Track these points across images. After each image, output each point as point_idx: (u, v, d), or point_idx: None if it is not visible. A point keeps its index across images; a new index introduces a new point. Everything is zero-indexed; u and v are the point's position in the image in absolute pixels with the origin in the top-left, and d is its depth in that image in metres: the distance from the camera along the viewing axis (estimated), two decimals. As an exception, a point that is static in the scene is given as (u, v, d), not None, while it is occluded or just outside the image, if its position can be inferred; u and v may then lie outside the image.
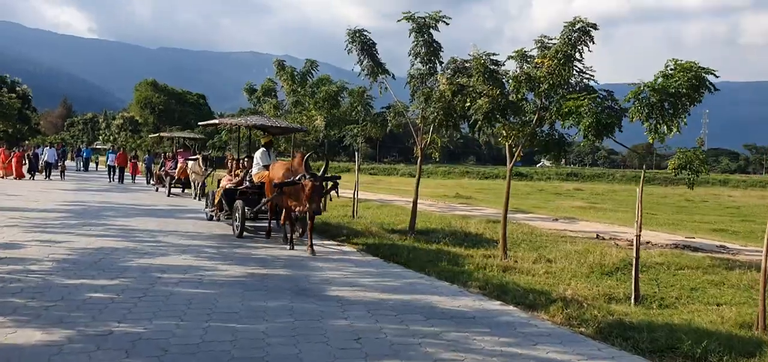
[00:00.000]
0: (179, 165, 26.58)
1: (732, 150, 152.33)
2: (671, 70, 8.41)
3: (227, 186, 14.71)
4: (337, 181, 12.43)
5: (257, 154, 14.37)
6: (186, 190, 26.73)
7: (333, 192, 12.50)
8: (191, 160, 25.17)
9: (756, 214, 28.97)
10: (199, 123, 22.17)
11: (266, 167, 13.75)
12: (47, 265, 9.15)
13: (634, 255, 8.85)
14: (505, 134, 12.06)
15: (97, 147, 74.11)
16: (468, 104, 11.97)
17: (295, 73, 23.11)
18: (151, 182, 31.36)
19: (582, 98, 9.24)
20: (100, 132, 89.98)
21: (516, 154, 12.26)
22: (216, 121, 20.50)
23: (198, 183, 23.94)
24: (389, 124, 15.62)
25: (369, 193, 30.01)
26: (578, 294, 8.45)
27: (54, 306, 6.84)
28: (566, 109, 9.29)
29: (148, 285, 8.13)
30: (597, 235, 16.47)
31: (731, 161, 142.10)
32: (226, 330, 6.22)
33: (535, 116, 11.62)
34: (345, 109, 19.74)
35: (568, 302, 7.91)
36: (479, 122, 11.78)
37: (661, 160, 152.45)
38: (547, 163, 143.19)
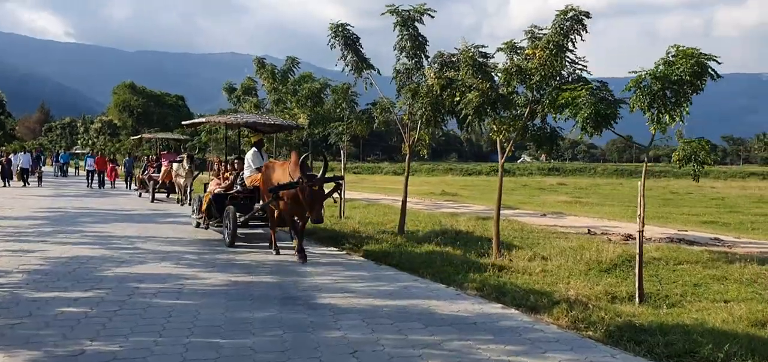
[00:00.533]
0: (163, 168, 24.97)
1: (711, 141, 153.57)
2: (673, 56, 8.03)
3: (216, 191, 13.53)
4: (340, 182, 11.46)
5: (248, 156, 13.33)
6: (171, 195, 25.33)
7: (336, 195, 11.71)
8: (176, 162, 23.31)
9: (741, 205, 28.90)
10: (183, 122, 20.25)
11: (259, 169, 12.70)
12: (16, 278, 8.58)
13: (638, 251, 8.47)
14: (495, 129, 11.65)
15: (76, 152, 72.79)
16: (458, 98, 11.54)
17: (276, 71, 22.61)
18: (134, 187, 29.70)
19: (579, 88, 8.83)
20: (79, 136, 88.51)
21: (507, 149, 11.85)
22: (201, 120, 18.05)
23: (185, 187, 22.09)
24: (376, 121, 15.14)
25: (355, 192, 29.49)
26: (581, 294, 8.04)
27: (20, 324, 6.30)
28: (563, 100, 8.88)
29: (124, 296, 7.60)
30: (588, 230, 16.13)
31: (713, 154, 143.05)
32: (210, 347, 5.72)
33: (526, 109, 11.21)
34: (328, 106, 19.27)
35: (572, 303, 7.50)
36: (469, 117, 11.36)
37: (639, 153, 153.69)
38: (528, 159, 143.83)
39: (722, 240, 15.02)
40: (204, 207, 13.73)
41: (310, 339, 6.04)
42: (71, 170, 49.50)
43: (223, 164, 14.93)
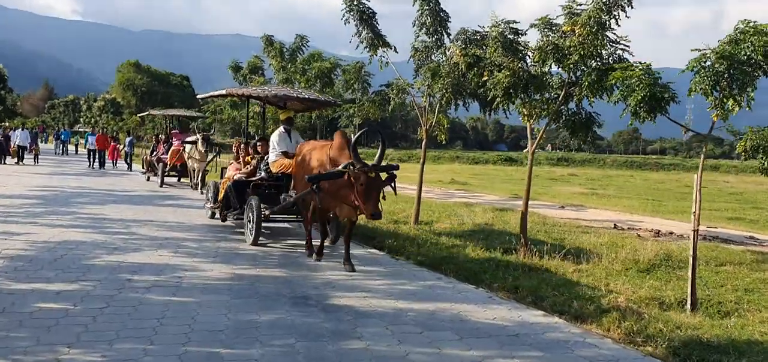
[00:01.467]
0: (173, 148, 21.87)
1: (715, 135, 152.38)
2: (740, 33, 7.06)
3: (236, 178, 11.55)
4: (395, 172, 8.60)
5: (274, 137, 11.05)
6: (182, 179, 22.62)
7: (388, 189, 8.59)
8: (189, 142, 20.59)
9: (761, 201, 27.94)
10: (199, 96, 17.97)
11: (286, 153, 10.76)
12: (-5, 265, 7.68)
13: (691, 254, 7.54)
14: (525, 113, 10.68)
15: (78, 129, 71.91)
16: (485, 78, 10.57)
17: (285, 50, 21.71)
18: (142, 169, 25.49)
19: (632, 67, 7.85)
20: (82, 114, 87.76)
21: (539, 136, 10.90)
22: (221, 92, 14.09)
23: (198, 172, 19.85)
24: (391, 103, 14.15)
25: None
26: (630, 300, 7.11)
27: (-12, 324, 5.39)
28: (613, 81, 7.91)
29: (113, 290, 6.68)
30: (614, 225, 15.18)
31: (715, 146, 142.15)
32: (209, 359, 4.81)
33: (561, 92, 10.24)
34: (339, 87, 18.33)
35: (623, 312, 6.57)
36: (497, 100, 10.39)
37: (646, 146, 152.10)
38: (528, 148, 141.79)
39: (757, 239, 14.09)
40: (221, 195, 11.90)
41: (327, 350, 5.12)
42: (72, 148, 48.42)
43: (244, 147, 12.55)
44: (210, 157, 19.67)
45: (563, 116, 10.57)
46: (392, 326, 5.87)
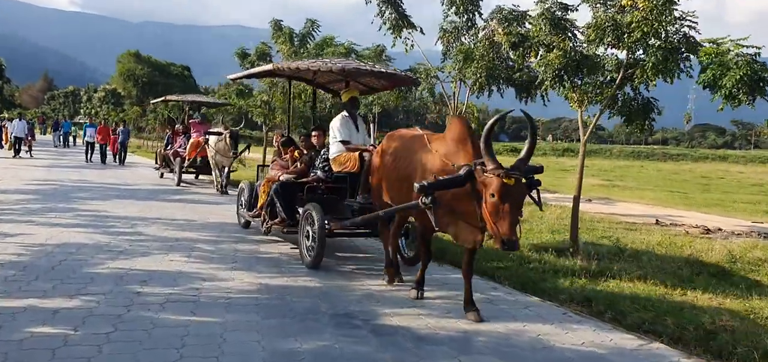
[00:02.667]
0: (192, 141, 18.74)
1: (718, 125, 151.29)
2: None
3: (283, 178, 8.93)
4: (538, 176, 5.83)
5: (335, 124, 8.39)
6: (201, 176, 20.08)
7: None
8: (212, 134, 17.59)
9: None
10: (230, 77, 16.80)
11: (348, 144, 8.28)
12: (-18, 275, 6.60)
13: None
14: (575, 98, 9.58)
15: (79, 121, 70.79)
16: (532, 60, 9.49)
17: (295, 35, 20.56)
18: (156, 164, 22.17)
19: (723, 42, 6.77)
20: (82, 105, 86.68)
21: (592, 125, 9.82)
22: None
23: (223, 170, 17.11)
24: (421, 87, 13.01)
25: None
26: (727, 323, 6.02)
27: (-34, 359, 4.33)
28: (703, 58, 6.82)
29: (121, 308, 5.62)
30: (656, 221, 14.11)
31: (718, 136, 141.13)
32: (248, 409, 3.74)
33: (618, 74, 9.15)
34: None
35: (733, 334, 5.50)
36: (546, 83, 9.31)
37: (648, 136, 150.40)
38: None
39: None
40: (262, 201, 9.34)
41: (394, 393, 4.05)
42: (71, 140, 47.14)
43: (285, 140, 9.98)
44: (238, 152, 17.12)
45: (618, 102, 9.51)
46: (465, 356, 4.80)
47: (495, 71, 11.48)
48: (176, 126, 21.58)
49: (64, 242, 8.57)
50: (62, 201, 12.98)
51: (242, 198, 10.82)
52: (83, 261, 7.43)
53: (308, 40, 20.43)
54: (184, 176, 19.39)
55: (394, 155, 6.85)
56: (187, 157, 18.70)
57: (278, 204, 8.68)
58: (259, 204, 9.45)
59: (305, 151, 9.32)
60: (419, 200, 5.70)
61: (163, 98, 26.40)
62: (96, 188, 16.24)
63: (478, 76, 11.47)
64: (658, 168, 49.33)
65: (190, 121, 20.44)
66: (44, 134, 66.05)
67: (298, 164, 9.17)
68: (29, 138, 28.58)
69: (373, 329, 5.38)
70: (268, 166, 10.41)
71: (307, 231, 7.88)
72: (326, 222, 7.58)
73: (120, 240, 8.90)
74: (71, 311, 5.45)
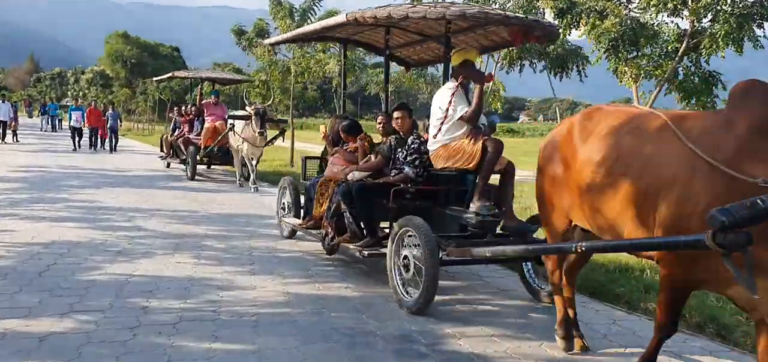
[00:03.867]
0: (207, 126, 15.44)
1: (709, 104, 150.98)
2: None
3: (355, 177, 6.50)
4: None
5: (444, 97, 5.86)
6: (214, 165, 16.64)
7: None
8: (235, 117, 14.30)
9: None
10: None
11: (473, 122, 5.76)
12: (-46, 286, 5.49)
13: None
14: (627, 72, 8.53)
15: (65, 104, 69.15)
16: (582, 30, 8.42)
17: (295, 10, 19.45)
18: (161, 152, 18.62)
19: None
20: (69, 87, 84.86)
21: (652, 99, 8.77)
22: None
23: (252, 161, 13.82)
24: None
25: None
26: None
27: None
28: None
29: (125, 330, 4.53)
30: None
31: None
32: None
33: (680, 45, 8.11)
34: (360, 51, 16.07)
35: None
36: (600, 54, 8.26)
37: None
38: (526, 118, 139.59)
39: None
40: (320, 208, 6.81)
41: None
42: (58, 122, 45.55)
43: (343, 123, 7.43)
44: (269, 139, 13.76)
45: (679, 76, 8.47)
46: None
47: (530, 46, 10.46)
48: (186, 107, 18.21)
49: (53, 240, 7.45)
50: (50, 191, 11.84)
51: (284, 201, 8.30)
52: (76, 266, 6.33)
53: (310, 14, 19.31)
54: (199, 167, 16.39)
55: (608, 149, 3.96)
56: (202, 146, 15.32)
57: (348, 215, 6.19)
58: (316, 212, 6.89)
59: (384, 139, 6.75)
60: (707, 237, 2.97)
61: (170, 75, 21.33)
62: (87, 175, 15.08)
63: (510, 49, 10.43)
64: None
65: (203, 102, 16.75)
66: (31, 117, 64.53)
67: (372, 157, 6.73)
68: (13, 122, 26.97)
69: (445, 358, 4.32)
70: (319, 158, 8.16)
71: (406, 259, 5.41)
72: (443, 247, 5.23)
73: (117, 237, 7.79)
74: (63, 337, 4.36)
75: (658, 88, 8.48)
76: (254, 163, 13.85)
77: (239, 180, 14.55)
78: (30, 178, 13.89)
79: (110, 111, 25.41)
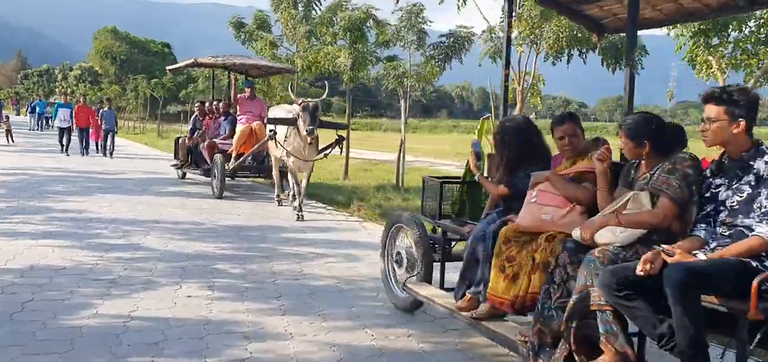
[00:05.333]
0: (241, 128, 12.02)
1: (699, 104, 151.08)
2: None
3: (611, 236, 3.29)
4: None
5: None
6: (237, 177, 13.01)
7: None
8: (276, 121, 10.20)
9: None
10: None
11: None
12: None
13: None
14: (711, 62, 7.25)
15: (53, 101, 67.49)
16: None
17: (298, 0, 18.07)
18: (175, 160, 14.94)
19: None
20: (57, 84, 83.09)
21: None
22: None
23: (303, 175, 10.28)
24: (484, 52, 10.57)
25: (386, 154, 25.21)
26: None
27: None
28: None
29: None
30: None
31: (700, 113, 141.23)
32: None
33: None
34: (381, 41, 14.72)
35: None
36: (683, 41, 6.97)
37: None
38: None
39: None
40: (521, 285, 3.71)
41: None
42: (45, 121, 43.81)
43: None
44: (323, 148, 10.26)
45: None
46: None
47: (580, 30, 9.19)
48: (210, 103, 14.46)
49: (32, 265, 6.10)
50: (32, 198, 10.46)
51: (401, 251, 5.16)
52: (59, 303, 4.99)
53: (314, 4, 17.93)
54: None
55: None
56: (233, 154, 11.85)
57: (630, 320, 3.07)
58: (499, 287, 3.81)
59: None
60: None
61: (191, 60, 14.60)
62: (74, 178, 13.68)
63: (559, 35, 9.17)
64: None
65: (237, 98, 12.56)
66: (18, 114, 62.82)
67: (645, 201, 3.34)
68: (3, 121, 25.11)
69: None
70: (462, 181, 5.25)
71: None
72: None
73: (110, 261, 6.44)
74: (37, 432, 3.02)
75: (753, 79, 7.19)
76: (303, 182, 10.12)
77: (278, 195, 11.30)
78: (11, 182, 12.49)
79: (105, 109, 21.88)
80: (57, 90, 75.69)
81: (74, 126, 21.19)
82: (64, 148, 20.63)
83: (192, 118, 14.81)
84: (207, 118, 13.88)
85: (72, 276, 5.81)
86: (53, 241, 7.20)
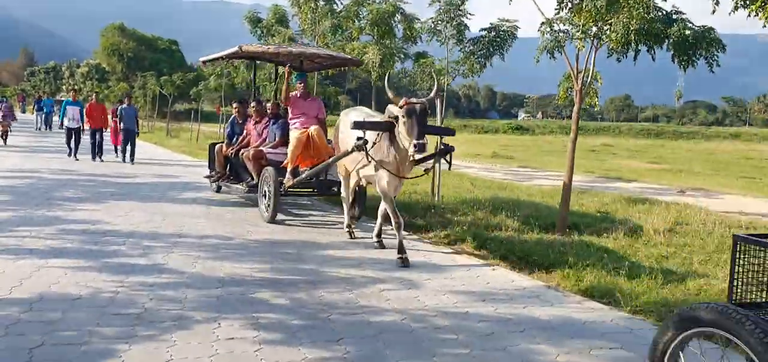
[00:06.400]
0: (296, 135, 9.39)
1: (709, 102, 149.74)
2: None
3: None
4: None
5: None
6: (309, 194, 10.68)
7: None
8: (365, 125, 7.45)
9: None
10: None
11: None
12: None
13: None
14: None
15: (60, 99, 66.74)
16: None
17: (321, -8, 17.06)
18: (210, 173, 12.24)
19: None
20: (64, 81, 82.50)
21: None
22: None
23: (392, 203, 7.47)
24: (542, 48, 9.54)
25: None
26: None
27: None
28: None
29: None
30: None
31: (709, 113, 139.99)
32: None
33: None
34: (415, 35, 13.76)
35: None
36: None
37: (638, 113, 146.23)
38: (524, 115, 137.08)
39: None
40: None
41: None
42: (57, 120, 42.65)
43: None
44: (421, 159, 7.33)
45: None
46: None
47: (652, 24, 8.24)
48: (256, 103, 11.23)
49: (41, 294, 5.17)
50: (40, 206, 9.53)
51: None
52: (74, 348, 4.07)
53: (335, -2, 16.95)
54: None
55: None
56: (289, 167, 9.28)
57: None
58: None
59: None
60: None
61: (235, 49, 10.76)
62: (84, 182, 12.77)
63: (626, 29, 8.21)
64: (688, 148, 46.19)
65: (292, 96, 9.62)
66: (24, 112, 62.05)
67: None
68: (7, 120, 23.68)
69: None
70: None
71: None
72: None
73: (133, 288, 5.49)
74: None
75: None
76: (393, 201, 7.46)
77: (349, 226, 8.48)
78: (17, 187, 11.58)
79: (124, 105, 18.67)
80: (64, 87, 74.98)
81: (86, 126, 18.62)
82: (73, 151, 18.15)
83: (229, 121, 12.30)
84: (252, 120, 11.10)
85: (90, 309, 4.87)
86: (65, 261, 6.26)
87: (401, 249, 6.99)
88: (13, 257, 6.31)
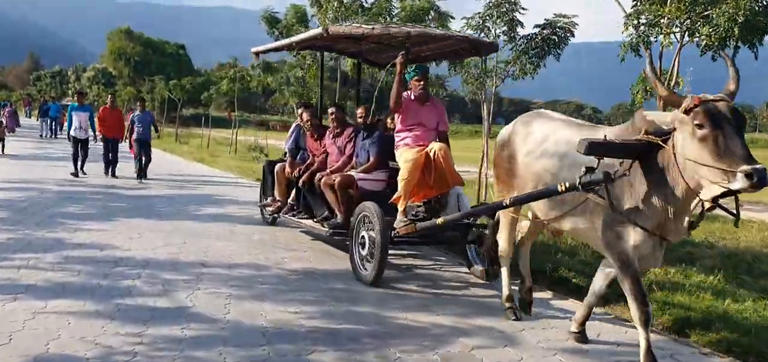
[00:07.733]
0: (412, 158, 6.35)
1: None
2: None
3: None
4: None
5: None
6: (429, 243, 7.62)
7: None
8: (619, 141, 4.04)
9: None
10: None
11: None
12: None
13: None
14: None
15: (66, 104, 65.78)
16: None
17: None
18: (264, 200, 9.46)
19: None
20: (70, 86, 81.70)
21: None
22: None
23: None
24: (627, 46, 8.27)
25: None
26: None
27: None
28: None
29: None
30: None
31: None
32: None
33: None
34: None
35: None
36: None
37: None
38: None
39: None
40: None
41: None
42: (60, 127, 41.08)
43: None
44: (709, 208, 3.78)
45: None
46: None
47: (756, 17, 7.01)
48: (336, 109, 8.09)
49: (36, 358, 3.93)
50: (41, 225, 8.31)
51: None
52: None
53: (364, -6, 15.77)
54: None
55: None
56: (400, 205, 6.44)
57: None
58: None
59: None
60: None
61: (319, 30, 7.46)
62: (92, 196, 11.56)
63: (725, 23, 6.99)
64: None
65: (405, 98, 6.57)
66: (29, 117, 60.97)
67: None
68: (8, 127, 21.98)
69: None
70: None
71: None
72: None
73: (155, 345, 4.27)
74: None
75: None
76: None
77: (510, 297, 5.42)
78: (15, 201, 10.37)
79: (137, 112, 15.31)
80: (70, 92, 74.08)
81: (98, 135, 15.55)
82: (80, 165, 14.87)
83: (292, 130, 9.24)
84: (331, 133, 8.02)
85: (99, 383, 3.63)
86: (68, 303, 5.04)
87: (650, 357, 4.06)
88: (7, 298, 5.09)
